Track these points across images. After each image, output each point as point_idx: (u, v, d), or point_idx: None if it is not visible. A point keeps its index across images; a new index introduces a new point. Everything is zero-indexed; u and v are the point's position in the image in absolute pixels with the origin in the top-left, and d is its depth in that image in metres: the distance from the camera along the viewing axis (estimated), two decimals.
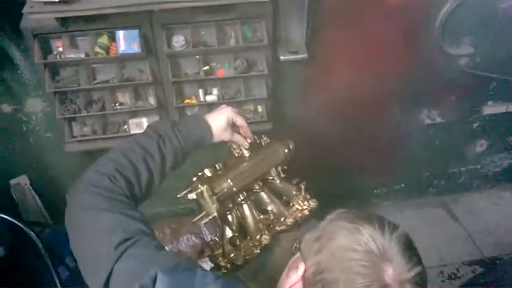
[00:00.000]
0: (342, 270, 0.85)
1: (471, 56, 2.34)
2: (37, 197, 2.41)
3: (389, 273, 0.82)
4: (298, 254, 0.97)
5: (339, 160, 2.58)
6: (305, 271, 0.91)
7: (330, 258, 0.88)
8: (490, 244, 2.90)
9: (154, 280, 0.89)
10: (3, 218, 1.67)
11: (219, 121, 1.34)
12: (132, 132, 2.06)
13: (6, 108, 2.10)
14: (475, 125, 2.74)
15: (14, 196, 2.36)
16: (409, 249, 0.86)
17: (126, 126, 2.09)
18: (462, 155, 2.95)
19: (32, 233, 1.55)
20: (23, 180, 2.36)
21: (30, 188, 2.38)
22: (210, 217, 1.42)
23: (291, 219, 1.60)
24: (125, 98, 2.04)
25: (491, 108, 2.65)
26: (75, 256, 1.03)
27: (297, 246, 0.99)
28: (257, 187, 1.61)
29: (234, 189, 1.48)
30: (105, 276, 0.93)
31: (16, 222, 1.55)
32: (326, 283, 0.86)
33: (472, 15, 2.17)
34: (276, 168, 1.63)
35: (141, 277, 0.90)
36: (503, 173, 3.12)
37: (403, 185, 3.01)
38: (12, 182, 2.35)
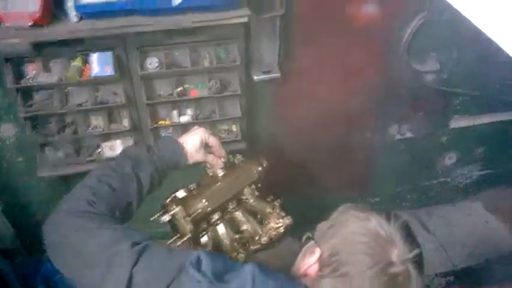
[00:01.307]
0: (353, 252, 1.00)
1: (437, 73, 2.43)
2: (9, 224, 2.35)
3: (395, 253, 0.98)
4: (312, 242, 1.10)
5: (313, 176, 2.62)
6: (321, 255, 1.04)
7: (342, 242, 1.03)
8: (463, 255, 2.95)
9: (198, 262, 0.95)
10: None
11: (192, 142, 1.38)
12: (106, 155, 2.05)
13: None
14: (444, 138, 2.82)
15: None
16: (409, 235, 1.02)
17: (99, 150, 2.08)
18: (433, 168, 3.02)
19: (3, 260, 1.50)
20: None
21: (2, 214, 2.32)
22: (185, 239, 1.42)
23: (265, 238, 1.60)
24: (98, 121, 2.03)
25: (457, 122, 2.74)
26: (76, 279, 1.03)
27: (310, 236, 1.15)
28: (231, 207, 1.62)
29: (209, 209, 1.49)
30: (126, 281, 0.94)
31: None
32: (340, 263, 1.00)
33: (436, 34, 2.26)
34: (250, 186, 1.65)
35: (174, 266, 0.96)
36: (473, 184, 3.21)
37: (377, 199, 3.05)
38: None
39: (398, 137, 2.67)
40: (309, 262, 1.06)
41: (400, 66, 2.34)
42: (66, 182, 2.20)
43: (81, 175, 2.04)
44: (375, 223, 1.02)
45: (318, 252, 1.05)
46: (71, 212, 1.10)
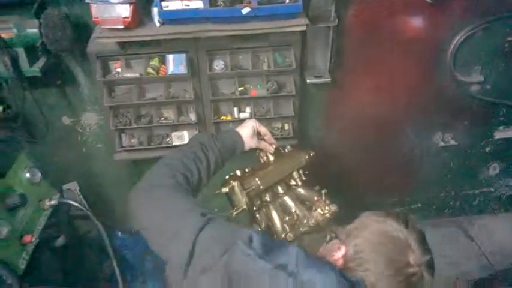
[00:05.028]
0: (374, 251, 1.15)
1: (481, 84, 2.55)
2: (85, 203, 2.67)
3: (411, 257, 1.11)
4: (336, 240, 1.27)
5: (357, 179, 2.79)
6: (346, 252, 1.20)
7: (364, 243, 1.18)
8: (505, 264, 2.96)
9: (250, 239, 1.12)
10: (64, 209, 1.93)
11: (246, 131, 1.64)
12: (174, 143, 2.33)
13: (66, 120, 2.40)
14: (488, 148, 2.91)
15: None
16: (424, 241, 1.16)
17: (168, 139, 2.36)
18: (476, 178, 3.09)
19: (99, 224, 1.77)
20: (73, 186, 2.61)
21: (80, 194, 2.64)
22: (240, 210, 1.67)
23: (313, 221, 1.81)
24: (169, 113, 2.32)
25: (502, 133, 2.82)
26: (149, 238, 1.26)
27: (333, 235, 1.31)
28: (281, 191, 1.85)
29: (261, 187, 1.74)
30: (192, 242, 1.15)
31: (83, 208, 1.77)
32: (363, 261, 1.15)
33: (480, 47, 2.40)
34: (298, 171, 1.87)
35: (229, 240, 1.14)
36: None
37: (419, 205, 3.16)
38: (64, 187, 2.60)
39: (442, 144, 2.78)
40: (335, 256, 1.21)
41: (445, 76, 2.48)
42: (138, 167, 2.51)
43: (152, 160, 2.34)
44: (394, 227, 1.16)
45: (343, 249, 1.20)
46: (155, 182, 1.36)
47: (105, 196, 2.68)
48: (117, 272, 1.81)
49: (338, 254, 1.20)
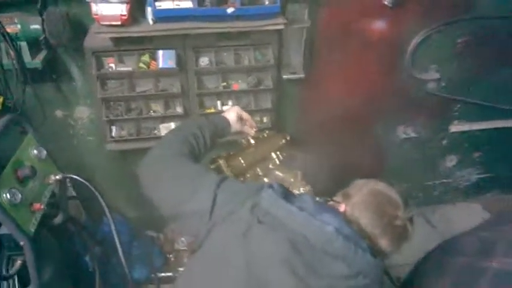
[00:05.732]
0: (369, 206, 1.37)
1: (437, 81, 2.85)
2: (75, 195, 2.80)
3: (399, 211, 1.36)
4: (331, 202, 1.48)
5: (327, 167, 3.01)
6: (345, 210, 1.40)
7: (360, 200, 1.40)
8: None
9: (271, 186, 1.33)
10: (63, 190, 2.08)
11: (232, 115, 1.87)
12: (162, 135, 2.51)
13: (59, 113, 2.55)
14: (444, 141, 3.20)
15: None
16: (406, 202, 1.42)
17: (156, 131, 2.55)
18: (436, 169, 3.38)
19: (101, 199, 1.93)
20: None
21: (70, 185, 2.77)
22: None
23: None
24: (157, 107, 2.51)
25: (456, 127, 3.12)
26: (163, 198, 1.45)
27: (328, 199, 1.52)
28: (261, 173, 2.07)
29: (244, 165, 1.96)
30: (212, 199, 1.34)
31: (88, 185, 1.94)
32: (359, 215, 1.37)
33: (435, 47, 2.71)
34: (276, 152, 2.11)
35: (248, 191, 1.35)
36: (473, 187, 3.55)
37: None
38: None
39: (404, 136, 3.06)
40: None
41: (404, 74, 2.77)
42: (127, 158, 2.67)
43: (141, 150, 2.51)
44: (385, 188, 1.42)
45: (342, 206, 1.41)
46: (163, 153, 1.58)
47: (94, 186, 2.81)
48: (121, 255, 1.95)
49: (339, 210, 1.41)
